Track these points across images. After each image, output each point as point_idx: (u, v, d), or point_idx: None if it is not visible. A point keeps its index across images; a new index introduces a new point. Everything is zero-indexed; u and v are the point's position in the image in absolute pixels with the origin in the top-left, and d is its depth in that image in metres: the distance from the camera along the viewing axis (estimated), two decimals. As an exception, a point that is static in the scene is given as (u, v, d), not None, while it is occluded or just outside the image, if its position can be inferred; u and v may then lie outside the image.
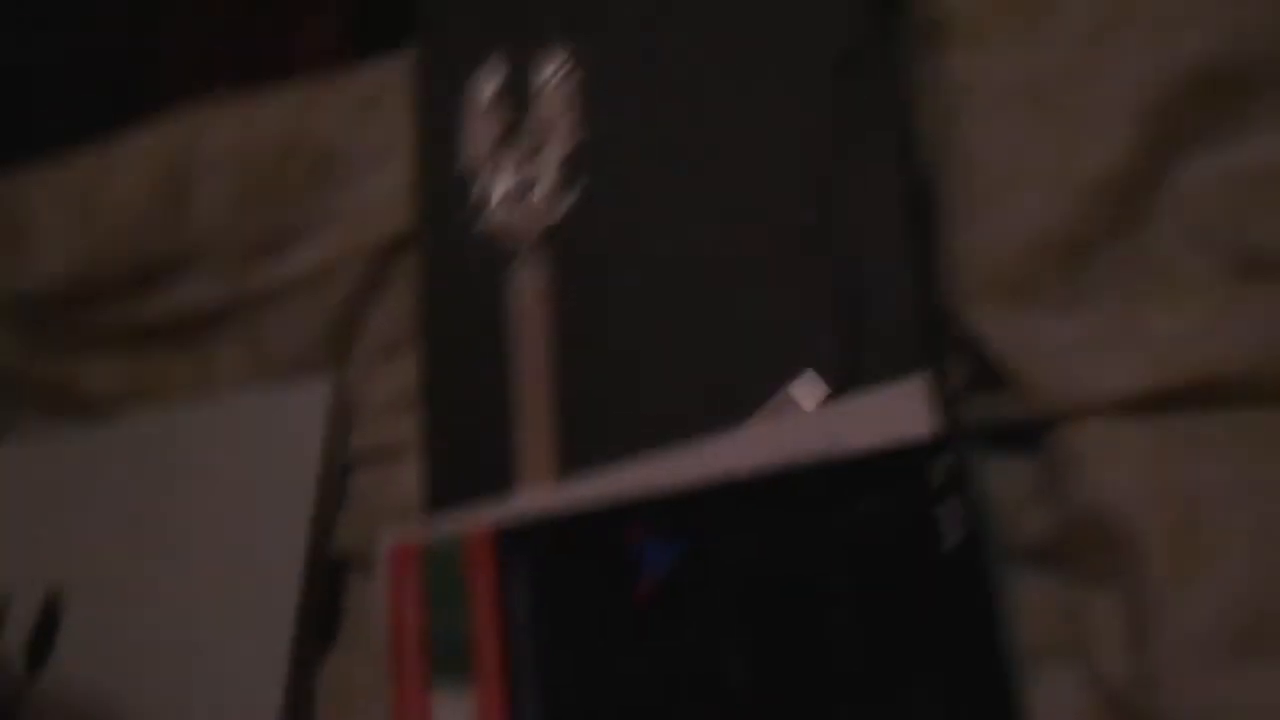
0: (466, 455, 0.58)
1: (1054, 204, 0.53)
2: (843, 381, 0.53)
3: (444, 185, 0.62)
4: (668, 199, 0.58)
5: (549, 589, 0.54)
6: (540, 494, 0.56)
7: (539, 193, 0.60)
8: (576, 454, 0.56)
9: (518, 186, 0.60)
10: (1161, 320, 0.52)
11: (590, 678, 0.53)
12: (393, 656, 0.56)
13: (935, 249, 0.56)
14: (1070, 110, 0.54)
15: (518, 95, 0.61)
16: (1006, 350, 0.53)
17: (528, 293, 0.58)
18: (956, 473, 0.50)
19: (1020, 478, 0.54)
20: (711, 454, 0.53)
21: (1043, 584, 0.52)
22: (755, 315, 0.55)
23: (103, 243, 0.71)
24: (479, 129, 0.62)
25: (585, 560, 0.54)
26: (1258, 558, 0.48)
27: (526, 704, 0.53)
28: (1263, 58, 0.53)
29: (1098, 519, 0.50)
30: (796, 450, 0.52)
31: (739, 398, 0.54)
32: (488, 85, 0.62)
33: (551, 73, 0.61)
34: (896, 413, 0.52)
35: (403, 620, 0.56)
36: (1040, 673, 0.51)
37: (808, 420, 0.53)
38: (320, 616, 0.62)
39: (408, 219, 0.65)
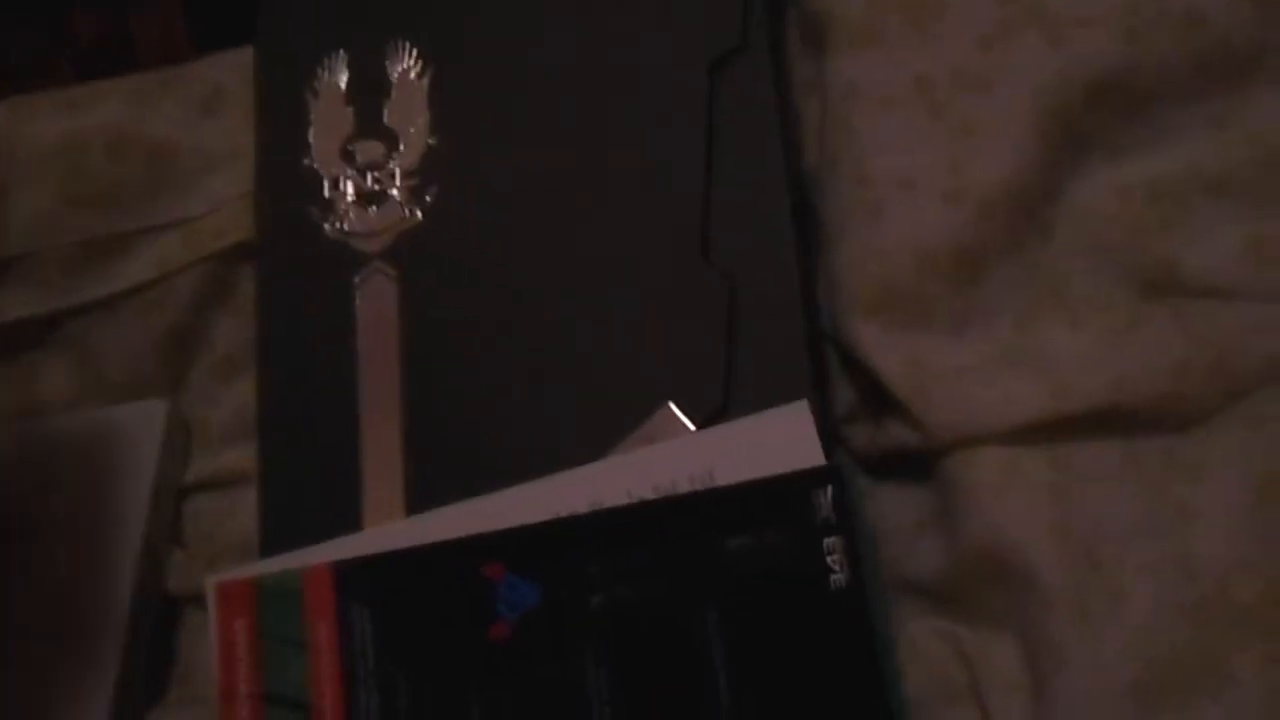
0: (307, 486, 0.53)
1: (945, 216, 0.50)
2: (721, 404, 0.49)
3: (288, 190, 0.56)
4: (532, 206, 0.54)
5: (396, 631, 0.49)
6: (388, 529, 0.51)
7: (390, 198, 0.55)
8: (428, 485, 0.51)
9: (367, 191, 0.55)
10: (1060, 341, 0.50)
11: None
12: (222, 707, 0.51)
13: (817, 262, 0.53)
14: (964, 116, 0.51)
15: (368, 94, 0.57)
16: (894, 374, 0.49)
17: (377, 306, 0.53)
18: (842, 506, 0.47)
19: (911, 507, 0.51)
20: (578, 484, 0.49)
21: (936, 624, 0.49)
22: (627, 331, 0.51)
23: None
24: (326, 130, 0.57)
25: (436, 599, 0.49)
26: (1161, 596, 0.45)
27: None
28: (1161, 64, 0.51)
29: (993, 555, 0.47)
30: (670, 480, 0.48)
31: (609, 422, 0.50)
32: (336, 83, 0.57)
33: (405, 69, 0.57)
34: (779, 439, 0.49)
35: (233, 666, 0.51)
36: (937, 720, 0.48)
37: (682, 447, 0.49)
38: (149, 664, 0.56)
39: (251, 226, 0.60)
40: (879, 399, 0.51)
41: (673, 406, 0.49)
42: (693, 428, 0.49)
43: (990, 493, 0.47)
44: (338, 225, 0.55)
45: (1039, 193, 0.51)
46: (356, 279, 0.54)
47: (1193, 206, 0.50)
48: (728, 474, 0.48)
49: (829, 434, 0.50)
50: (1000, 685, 0.47)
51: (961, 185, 0.50)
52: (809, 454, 0.48)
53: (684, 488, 0.49)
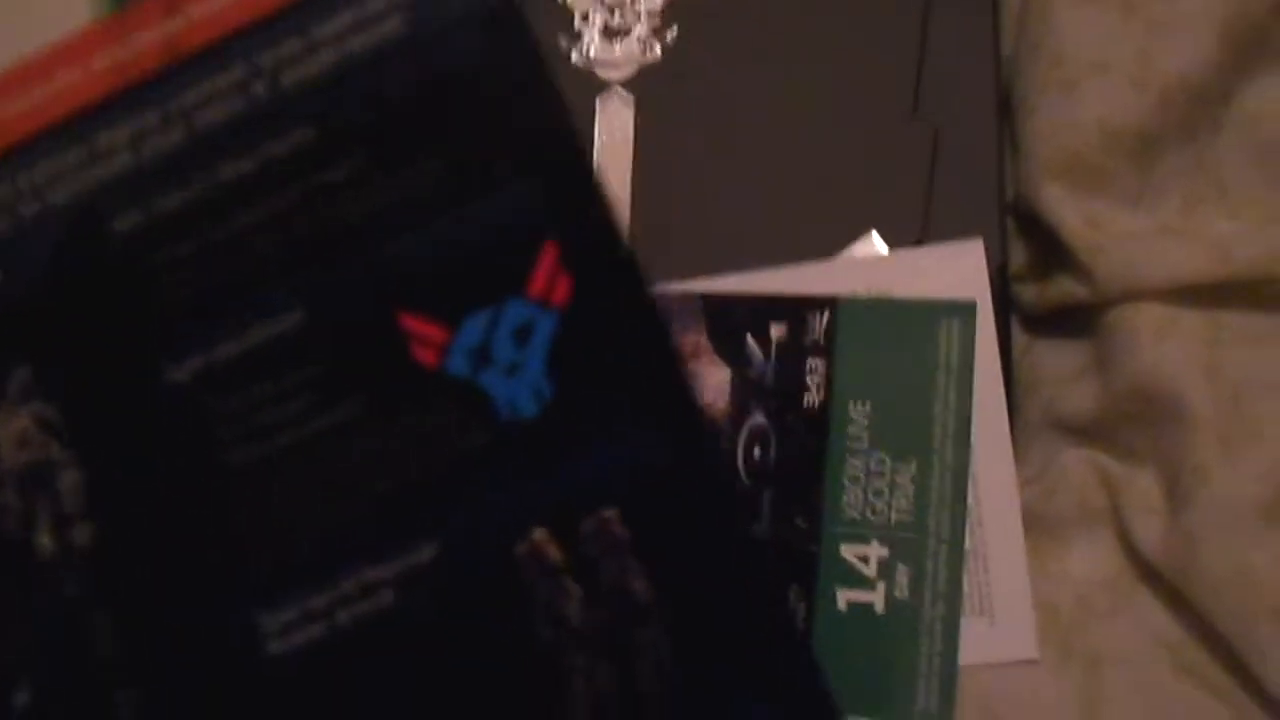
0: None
1: (1132, 99, 0.55)
2: (917, 239, 0.55)
3: (540, 21, 0.61)
4: (763, 52, 0.59)
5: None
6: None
7: (633, 35, 0.60)
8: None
9: (613, 26, 0.61)
10: (1220, 222, 0.55)
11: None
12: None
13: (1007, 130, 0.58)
14: (1158, 13, 0.56)
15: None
16: (1073, 229, 0.54)
17: (615, 126, 0.59)
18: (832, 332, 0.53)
19: (1068, 358, 0.57)
20: (766, 280, 0.56)
21: (1084, 453, 0.55)
22: (842, 168, 0.57)
23: None
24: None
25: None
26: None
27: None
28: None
29: (1147, 392, 0.52)
30: (852, 287, 0.55)
31: (818, 245, 0.56)
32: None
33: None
34: (953, 269, 0.54)
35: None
36: (1077, 537, 0.54)
37: (869, 264, 0.55)
38: None
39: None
40: (1050, 258, 0.56)
41: (875, 234, 0.55)
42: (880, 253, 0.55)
43: (1150, 338, 0.52)
44: (584, 54, 0.61)
45: (1215, 91, 0.56)
46: (598, 101, 0.60)
47: None
48: (903, 292, 0.54)
49: (1006, 278, 0.56)
50: (1139, 507, 0.52)
51: (1148, 74, 0.55)
52: (977, 286, 0.54)
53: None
